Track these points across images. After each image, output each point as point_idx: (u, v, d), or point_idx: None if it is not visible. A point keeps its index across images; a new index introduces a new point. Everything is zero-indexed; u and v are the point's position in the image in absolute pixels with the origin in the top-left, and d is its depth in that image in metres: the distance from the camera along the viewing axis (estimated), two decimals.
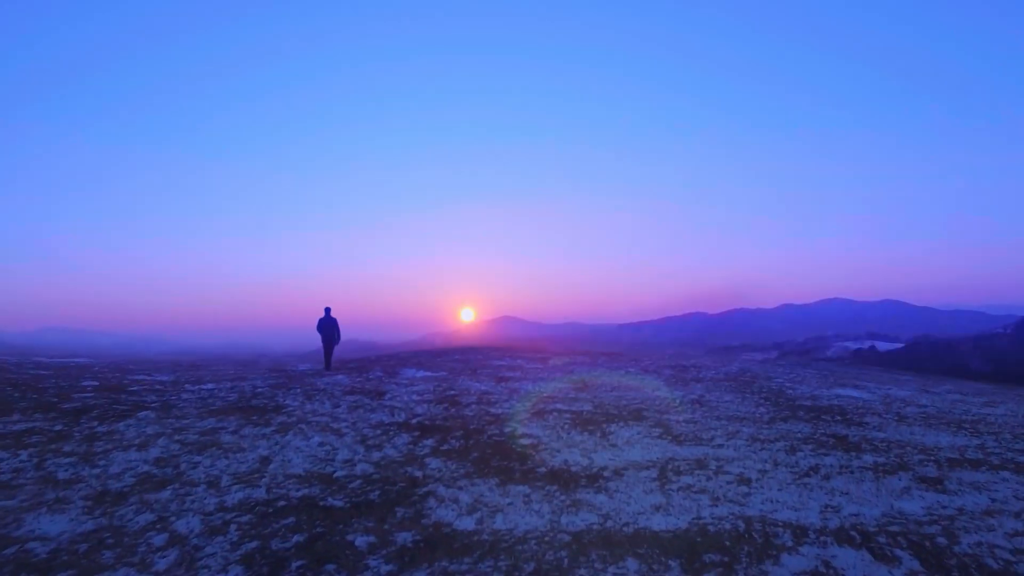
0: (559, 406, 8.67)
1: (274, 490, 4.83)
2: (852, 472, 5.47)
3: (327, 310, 15.01)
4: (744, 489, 5.00)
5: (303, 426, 7.10)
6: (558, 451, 6.16)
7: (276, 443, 6.30)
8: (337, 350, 15.57)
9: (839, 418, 8.14)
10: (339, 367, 14.51)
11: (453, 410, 8.32)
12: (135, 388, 9.81)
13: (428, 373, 12.65)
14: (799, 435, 7.02)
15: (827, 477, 5.32)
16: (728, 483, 5.17)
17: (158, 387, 10.09)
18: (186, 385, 10.41)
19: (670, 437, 6.82)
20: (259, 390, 9.93)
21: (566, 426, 7.31)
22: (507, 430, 7.09)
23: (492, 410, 8.33)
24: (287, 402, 8.71)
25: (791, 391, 10.60)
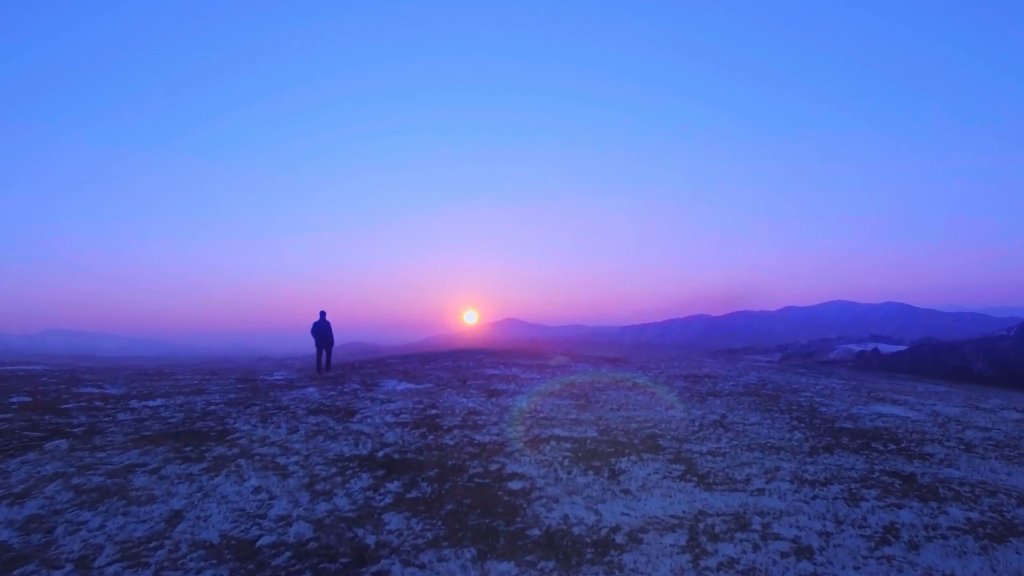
0: (558, 431, 7.34)
1: (164, 572, 3.51)
2: (944, 536, 4.13)
3: (322, 313, 14.71)
4: (807, 567, 3.67)
5: (243, 462, 5.78)
6: (556, 501, 4.83)
7: (200, 488, 4.98)
8: (334, 352, 15.38)
9: (893, 447, 6.81)
10: (315, 376, 13.16)
11: (431, 437, 6.99)
12: (69, 406, 8.50)
13: (411, 385, 11.31)
14: (854, 473, 5.69)
15: (914, 546, 3.99)
16: (783, 555, 3.84)
17: (98, 404, 8.77)
18: (131, 401, 9.10)
19: (696, 478, 5.48)
20: (212, 408, 8.61)
21: (566, 461, 5.98)
22: (493, 467, 5.76)
23: (478, 437, 6.99)
24: (237, 425, 7.39)
25: (824, 408, 9.26)
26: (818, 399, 10.26)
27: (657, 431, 7.45)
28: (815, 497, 4.98)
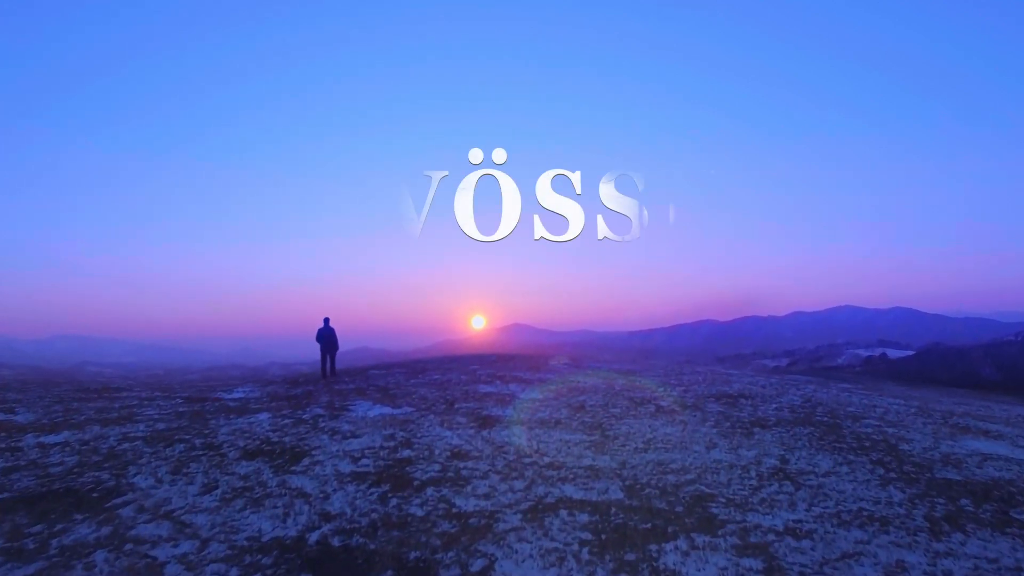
0: (569, 490, 5.38)
1: None
2: None
3: (326, 320, 15.03)
4: None
5: (101, 557, 3.85)
6: None
7: None
8: (339, 357, 15.69)
9: None
10: (277, 395, 11.17)
11: (394, 501, 5.04)
12: None
13: (387, 410, 9.35)
14: None
15: None
16: None
17: None
18: (27, 436, 7.18)
19: None
20: (122, 447, 6.68)
21: (585, 552, 4.03)
22: (476, 566, 3.81)
23: (459, 502, 5.04)
24: (136, 479, 5.46)
25: (906, 446, 7.27)
26: (890, 430, 8.27)
27: (704, 488, 5.49)
28: None
